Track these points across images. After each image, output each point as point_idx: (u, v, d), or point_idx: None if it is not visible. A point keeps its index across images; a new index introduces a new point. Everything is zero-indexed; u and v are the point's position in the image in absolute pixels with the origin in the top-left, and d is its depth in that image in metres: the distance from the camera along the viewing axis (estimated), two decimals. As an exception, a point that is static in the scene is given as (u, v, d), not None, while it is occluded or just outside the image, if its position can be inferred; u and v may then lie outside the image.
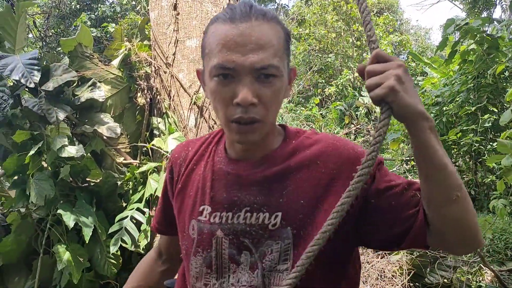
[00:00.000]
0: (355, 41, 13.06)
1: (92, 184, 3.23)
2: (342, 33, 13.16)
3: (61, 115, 2.79)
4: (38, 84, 2.91)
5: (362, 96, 9.07)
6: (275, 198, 0.84)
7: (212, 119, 3.23)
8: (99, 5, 11.54)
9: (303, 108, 10.76)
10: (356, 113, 9.03)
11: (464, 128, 4.05)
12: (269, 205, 0.84)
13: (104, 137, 3.22)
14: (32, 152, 2.69)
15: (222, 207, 0.87)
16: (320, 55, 12.94)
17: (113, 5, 11.61)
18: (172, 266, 1.16)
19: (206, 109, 3.23)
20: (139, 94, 3.41)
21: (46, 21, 9.78)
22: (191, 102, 3.23)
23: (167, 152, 3.03)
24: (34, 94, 3.10)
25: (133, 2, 10.71)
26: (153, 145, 3.09)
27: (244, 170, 0.88)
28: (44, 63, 3.13)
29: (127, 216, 2.96)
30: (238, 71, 0.77)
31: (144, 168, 3.08)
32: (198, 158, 0.96)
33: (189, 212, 0.92)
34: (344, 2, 12.19)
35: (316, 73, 13.12)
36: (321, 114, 10.31)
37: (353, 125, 8.52)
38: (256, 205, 0.84)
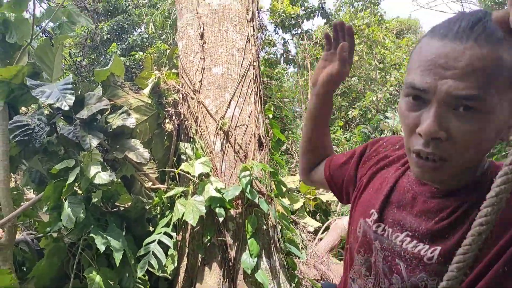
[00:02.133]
0: (377, 63, 13.05)
1: (122, 208, 3.31)
2: (364, 56, 13.20)
3: (94, 142, 2.90)
4: (73, 113, 3.06)
5: (387, 118, 8.99)
6: (442, 233, 0.75)
7: (238, 144, 3.28)
8: (129, 35, 12.06)
9: (327, 131, 10.71)
10: (382, 136, 8.94)
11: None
12: (431, 238, 0.76)
13: (134, 163, 3.31)
14: (70, 180, 2.80)
15: (386, 220, 0.85)
16: (343, 78, 12.96)
17: (141, 33, 12.10)
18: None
19: (232, 134, 3.29)
20: (167, 120, 3.51)
21: (81, 52, 10.28)
22: (217, 128, 3.30)
23: (194, 176, 3.08)
24: (69, 122, 3.24)
25: (159, 31, 11.14)
26: (180, 170, 3.15)
27: (422, 195, 0.81)
28: (79, 93, 3.29)
29: (154, 240, 3.00)
30: (430, 96, 0.66)
31: (171, 192, 3.14)
32: (393, 160, 0.94)
33: (361, 210, 0.92)
34: (365, 26, 12.28)
35: (339, 96, 13.12)
36: (345, 137, 10.24)
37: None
38: (417, 234, 0.78)
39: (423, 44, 0.69)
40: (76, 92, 3.20)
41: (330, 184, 1.14)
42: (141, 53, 10.23)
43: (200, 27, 3.52)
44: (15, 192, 3.51)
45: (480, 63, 0.61)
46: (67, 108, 2.88)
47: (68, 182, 2.82)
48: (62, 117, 3.25)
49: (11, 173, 3.68)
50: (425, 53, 0.67)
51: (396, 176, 0.89)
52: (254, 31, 3.68)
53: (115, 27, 12.00)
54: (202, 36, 3.52)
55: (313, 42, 11.59)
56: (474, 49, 0.62)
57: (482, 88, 0.62)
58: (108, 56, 11.26)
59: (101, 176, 2.84)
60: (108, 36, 11.83)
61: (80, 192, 3.12)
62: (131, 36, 11.87)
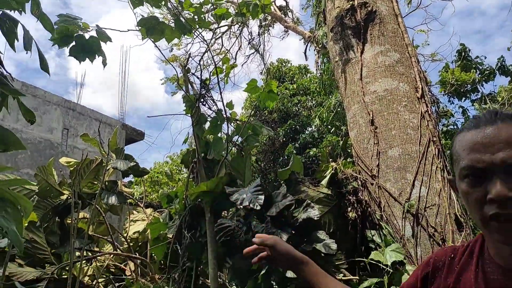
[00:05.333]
0: None
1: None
2: None
3: (284, 237, 3.08)
4: (264, 211, 3.37)
5: None
6: None
7: (431, 226, 2.98)
8: (300, 135, 13.14)
9: None
10: None
11: None
12: None
13: (322, 254, 3.33)
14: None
15: None
16: None
17: (311, 131, 13.04)
18: None
19: (422, 217, 3.03)
20: (349, 209, 3.50)
21: (264, 157, 11.65)
22: (404, 211, 3.10)
23: (387, 265, 2.88)
24: (260, 220, 3.58)
25: (328, 126, 11.74)
26: (371, 259, 3.00)
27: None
28: (267, 193, 3.65)
29: None
30: (489, 170, 0.77)
31: (365, 284, 2.97)
32: (463, 267, 0.94)
33: None
34: None
35: None
36: None
37: None
38: None
39: (461, 138, 0.85)
40: (265, 193, 3.56)
41: None
42: (314, 149, 10.87)
43: (369, 114, 3.60)
44: (223, 289, 3.90)
45: None
46: (258, 208, 3.22)
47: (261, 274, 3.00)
48: (255, 216, 3.61)
49: (219, 271, 4.15)
50: (468, 143, 0.82)
51: (481, 277, 0.86)
52: (427, 107, 3.55)
53: (288, 130, 13.31)
54: (372, 123, 3.57)
55: (500, 104, 10.26)
56: (504, 127, 0.79)
57: None
58: (285, 157, 12.33)
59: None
60: (284, 139, 13.13)
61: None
62: (302, 135, 12.90)
